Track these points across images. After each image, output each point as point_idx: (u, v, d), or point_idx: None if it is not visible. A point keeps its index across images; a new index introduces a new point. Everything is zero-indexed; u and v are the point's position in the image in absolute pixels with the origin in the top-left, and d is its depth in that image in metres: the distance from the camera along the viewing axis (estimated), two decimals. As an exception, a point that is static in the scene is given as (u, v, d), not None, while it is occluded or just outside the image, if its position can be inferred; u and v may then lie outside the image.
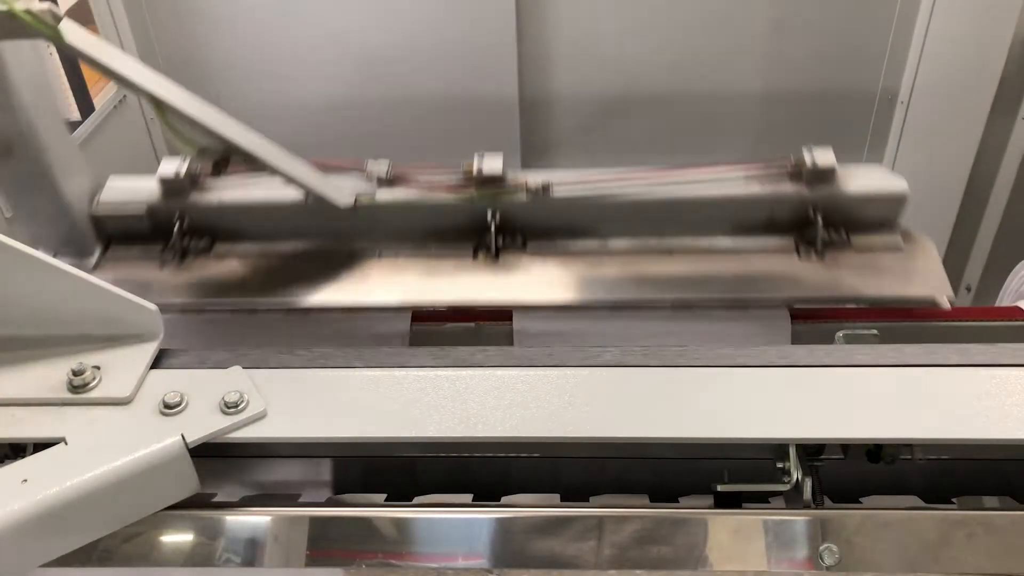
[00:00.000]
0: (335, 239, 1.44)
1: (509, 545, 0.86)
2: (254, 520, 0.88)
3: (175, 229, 1.40)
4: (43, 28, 1.05)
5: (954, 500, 0.99)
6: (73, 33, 1.08)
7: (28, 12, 1.04)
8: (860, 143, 2.97)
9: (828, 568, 0.82)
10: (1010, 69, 2.45)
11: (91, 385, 0.89)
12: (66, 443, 0.83)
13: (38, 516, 0.77)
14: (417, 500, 1.01)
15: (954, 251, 2.81)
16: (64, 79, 2.59)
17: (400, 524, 0.87)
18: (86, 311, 0.94)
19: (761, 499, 0.92)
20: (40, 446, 0.84)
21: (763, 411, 0.87)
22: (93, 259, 1.43)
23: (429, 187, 1.40)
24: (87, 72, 2.68)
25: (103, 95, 2.78)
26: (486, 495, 1.02)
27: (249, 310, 1.35)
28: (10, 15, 1.03)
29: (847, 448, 0.94)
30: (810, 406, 0.87)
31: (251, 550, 0.88)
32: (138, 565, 0.86)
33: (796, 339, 1.33)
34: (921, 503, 0.97)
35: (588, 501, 1.01)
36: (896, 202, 1.40)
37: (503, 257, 1.41)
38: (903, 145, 2.86)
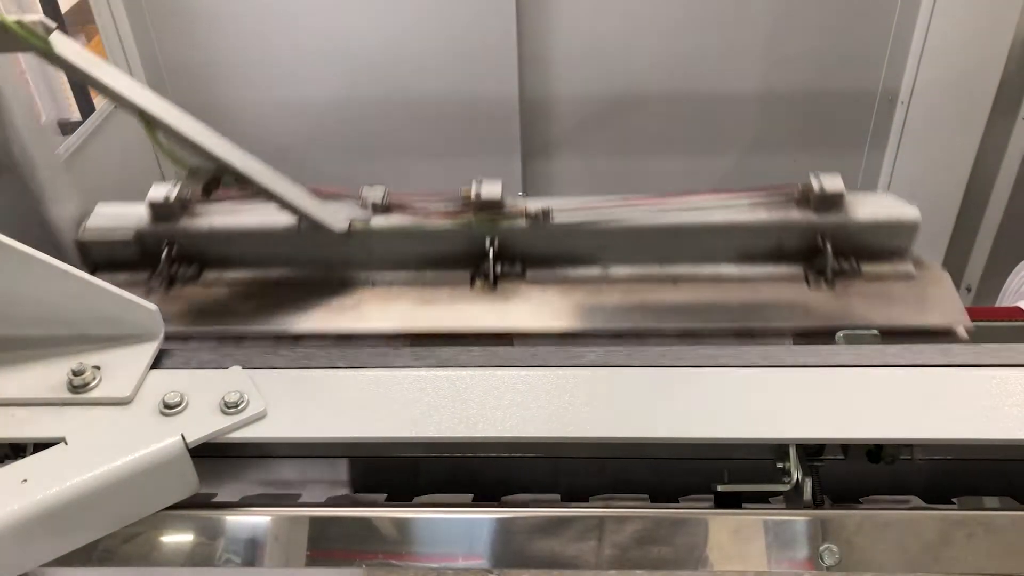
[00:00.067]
0: (328, 267, 1.38)
1: (509, 545, 0.86)
2: (254, 520, 0.88)
3: (163, 256, 1.35)
4: (34, 40, 1.03)
5: (954, 500, 0.99)
6: (64, 46, 1.06)
7: (19, 24, 1.03)
8: (860, 143, 2.97)
9: (828, 568, 0.82)
10: (1010, 69, 2.46)
11: (91, 385, 0.89)
12: (66, 443, 0.83)
13: (38, 516, 0.77)
14: (417, 500, 1.01)
15: (954, 251, 2.81)
16: (64, 79, 2.59)
17: (400, 524, 0.87)
18: (86, 311, 0.94)
19: (761, 499, 0.92)
20: (40, 446, 0.84)
21: (763, 411, 0.87)
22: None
23: (425, 213, 1.36)
24: (87, 72, 2.68)
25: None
26: (486, 495, 1.02)
27: (237, 337, 1.29)
28: (1, 27, 1.02)
29: (847, 448, 0.94)
30: (810, 406, 0.87)
31: (251, 550, 0.88)
32: (138, 565, 0.86)
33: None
34: (921, 503, 0.97)
35: (588, 501, 1.01)
36: (908, 230, 1.34)
37: (501, 285, 1.35)
38: (903, 145, 2.86)
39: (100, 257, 1.39)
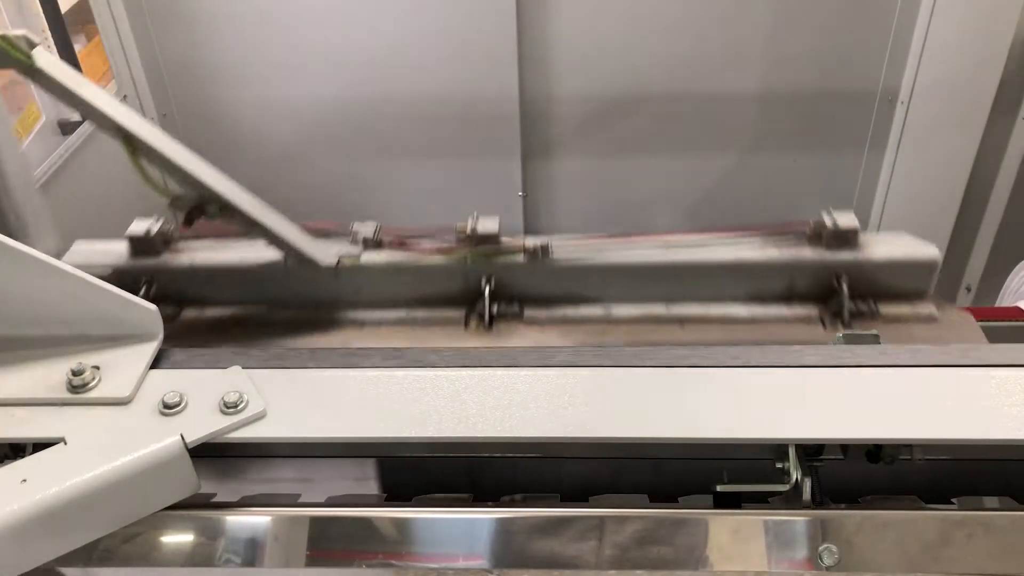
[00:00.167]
0: (314, 307, 1.32)
1: (509, 545, 0.86)
2: (254, 520, 0.88)
3: (140, 294, 1.27)
4: (16, 55, 1.00)
5: (954, 500, 0.99)
6: (47, 61, 1.03)
7: (3, 38, 1.01)
8: (860, 143, 2.97)
9: (828, 568, 0.82)
10: (1010, 69, 2.46)
11: (91, 385, 0.89)
12: (65, 443, 0.83)
13: (38, 516, 0.77)
14: (417, 500, 1.01)
15: (954, 251, 2.81)
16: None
17: (400, 524, 0.87)
18: (86, 311, 0.94)
19: (761, 499, 0.92)
20: (40, 446, 0.84)
21: (763, 411, 0.87)
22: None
23: (418, 249, 1.30)
24: (87, 72, 2.68)
25: (103, 95, 2.78)
26: (490, 495, 1.02)
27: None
28: None
29: (847, 448, 0.94)
30: (809, 406, 0.87)
31: (251, 550, 0.87)
32: (138, 565, 0.86)
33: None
34: (921, 503, 0.97)
35: (588, 501, 1.01)
36: (927, 269, 1.28)
37: (497, 325, 1.29)
38: (903, 145, 2.86)
39: None
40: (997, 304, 1.68)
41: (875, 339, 1.11)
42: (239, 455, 1.10)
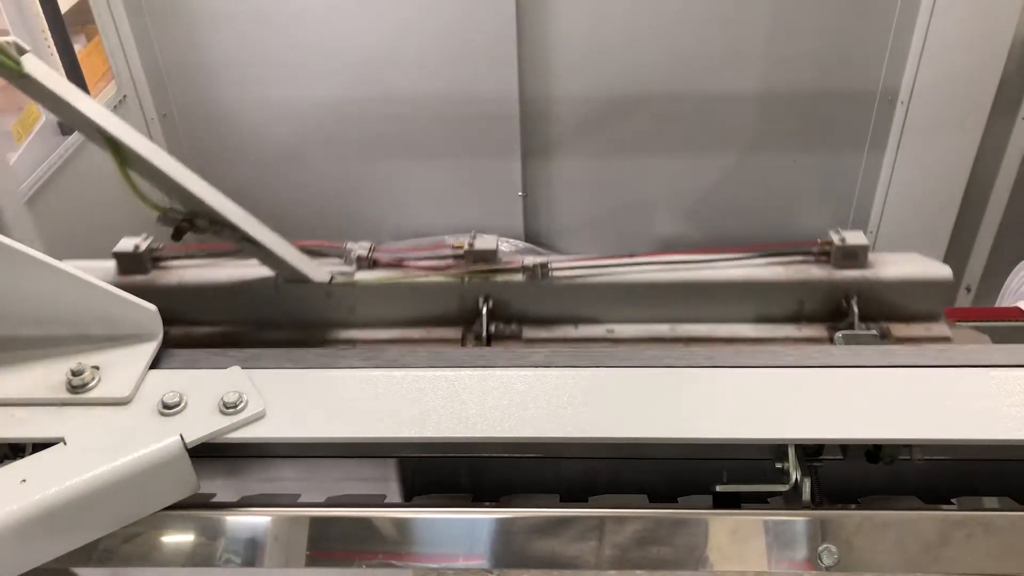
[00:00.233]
0: (306, 327, 1.29)
1: (509, 545, 0.86)
2: (254, 520, 0.88)
3: None
4: (6, 62, 0.98)
5: (953, 500, 0.99)
6: (36, 68, 1.00)
7: None
8: (860, 143, 2.97)
9: (827, 568, 0.82)
10: (1010, 69, 2.45)
11: (90, 385, 0.89)
12: (65, 443, 0.83)
13: (37, 516, 0.77)
14: (417, 500, 1.01)
15: (954, 251, 2.81)
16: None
17: (400, 524, 0.87)
18: (86, 311, 0.94)
19: (760, 500, 0.92)
20: (39, 446, 0.84)
21: (762, 411, 0.87)
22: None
23: (414, 267, 1.26)
24: (87, 72, 2.68)
25: (103, 95, 2.78)
26: (486, 495, 1.02)
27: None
28: None
29: (846, 448, 0.94)
30: (809, 406, 0.87)
31: (251, 550, 0.88)
32: (138, 565, 0.86)
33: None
34: (920, 503, 0.97)
35: (587, 501, 1.01)
36: (940, 289, 1.25)
37: (495, 346, 1.26)
38: (903, 145, 2.86)
39: None
40: (997, 304, 1.68)
41: (875, 339, 1.11)
42: (239, 455, 1.10)
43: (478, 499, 1.01)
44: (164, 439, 0.83)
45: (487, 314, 1.25)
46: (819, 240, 1.26)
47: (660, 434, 0.86)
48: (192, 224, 1.13)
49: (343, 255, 1.28)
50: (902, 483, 1.01)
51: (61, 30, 2.56)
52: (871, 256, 1.25)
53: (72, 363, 0.90)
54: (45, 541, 0.80)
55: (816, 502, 0.88)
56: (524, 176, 3.12)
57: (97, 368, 0.91)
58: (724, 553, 0.84)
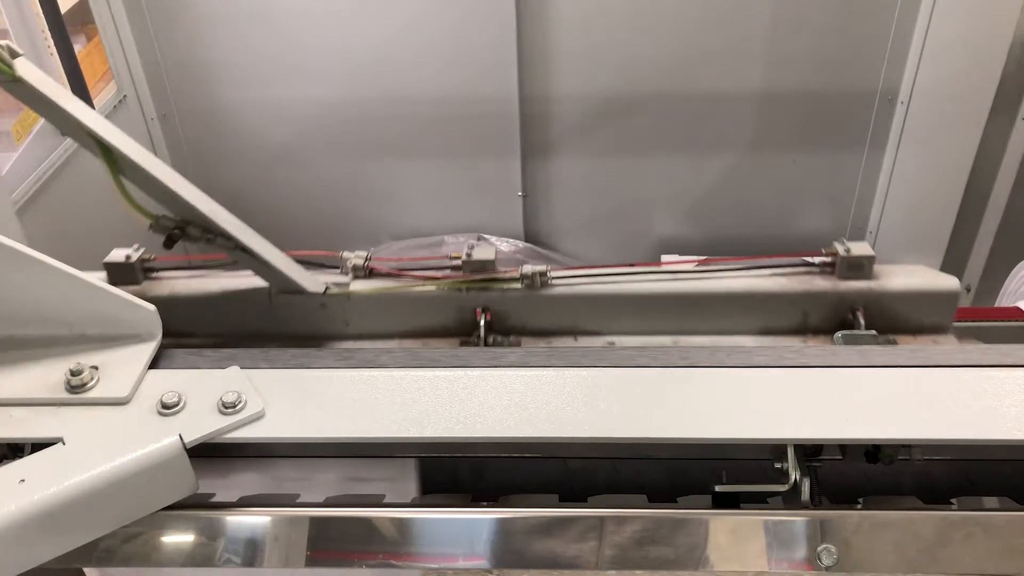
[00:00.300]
0: (300, 339, 1.27)
1: (509, 545, 0.86)
2: (254, 520, 0.88)
3: None
4: None
5: (952, 500, 0.99)
6: (29, 72, 0.99)
7: None
8: (860, 143, 2.97)
9: (827, 568, 0.82)
10: (1010, 69, 2.45)
11: (89, 385, 0.89)
12: (64, 443, 0.83)
13: (36, 516, 0.77)
14: (416, 500, 1.01)
15: (954, 251, 2.81)
16: (65, 79, 2.59)
17: (400, 524, 0.87)
18: (85, 311, 0.94)
19: (759, 500, 0.92)
20: (38, 446, 0.84)
21: (761, 411, 0.87)
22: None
23: (411, 277, 1.24)
24: (87, 72, 2.68)
25: (103, 95, 2.78)
26: (486, 495, 1.02)
27: None
28: None
29: (845, 448, 0.94)
30: (808, 407, 0.87)
31: (251, 550, 0.88)
32: (138, 565, 0.86)
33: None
34: (919, 503, 0.97)
35: (587, 501, 1.01)
36: (947, 300, 1.22)
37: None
38: (903, 145, 2.86)
39: None
40: (997, 304, 1.68)
41: (874, 339, 1.11)
42: (238, 455, 1.10)
43: (478, 499, 1.01)
44: (163, 439, 0.83)
45: (485, 325, 1.23)
46: (823, 251, 1.24)
47: (659, 434, 0.86)
48: (184, 232, 1.12)
49: (339, 265, 1.26)
50: (901, 483, 1.01)
51: (61, 30, 2.56)
52: (876, 268, 1.23)
53: (71, 363, 0.90)
54: (44, 541, 0.80)
55: (815, 502, 0.88)
56: (524, 176, 3.12)
57: (96, 368, 0.91)
58: (723, 553, 0.84)
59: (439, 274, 1.24)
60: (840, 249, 1.23)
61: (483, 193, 3.19)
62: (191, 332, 1.28)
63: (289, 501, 1.03)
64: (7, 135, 2.45)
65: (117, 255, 1.28)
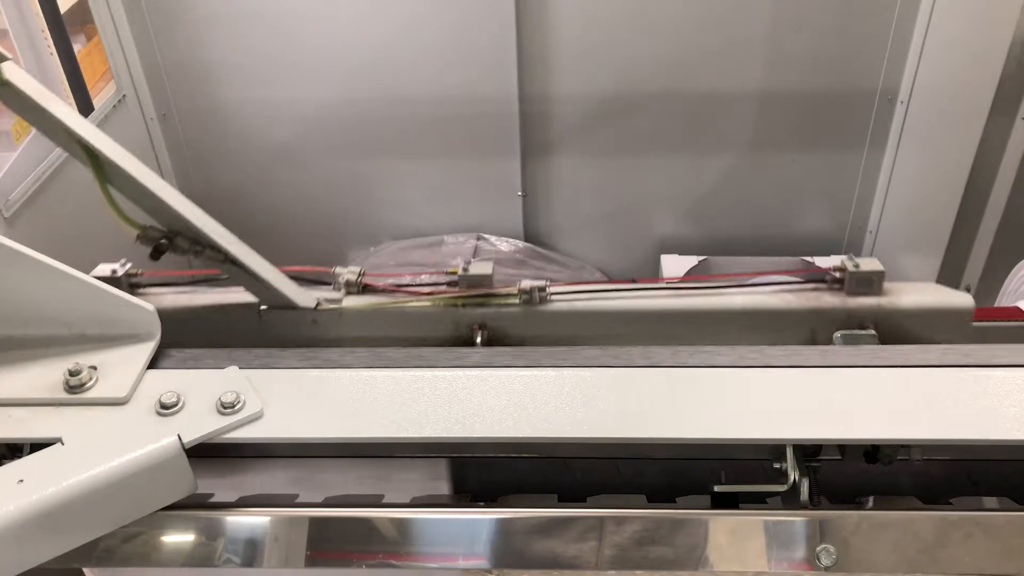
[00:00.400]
0: None
1: (509, 545, 0.86)
2: (254, 520, 0.88)
3: None
4: None
5: (951, 501, 0.99)
6: (16, 76, 0.97)
7: None
8: (860, 143, 2.97)
9: (826, 568, 0.82)
10: (1009, 69, 2.45)
11: (88, 385, 0.89)
12: (62, 443, 0.83)
13: (35, 516, 0.77)
14: (416, 500, 1.01)
15: (953, 251, 2.81)
16: (63, 78, 2.59)
17: (400, 524, 0.87)
18: (84, 311, 0.94)
19: (759, 500, 0.92)
20: (37, 446, 0.84)
21: (760, 412, 0.87)
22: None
23: (405, 293, 1.21)
24: (86, 72, 2.68)
25: (102, 95, 2.78)
26: (485, 495, 1.02)
27: None
28: None
29: (844, 448, 0.94)
30: (807, 406, 0.87)
31: (251, 550, 0.88)
32: (138, 565, 0.86)
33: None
34: (919, 503, 0.97)
35: (585, 502, 1.01)
36: (961, 318, 1.18)
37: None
38: (903, 145, 2.86)
39: None
40: (997, 304, 1.68)
41: (873, 339, 1.11)
42: (237, 455, 1.10)
43: (477, 499, 1.01)
44: (162, 439, 0.83)
45: (482, 342, 1.20)
46: (831, 267, 1.21)
47: (658, 434, 0.86)
48: (172, 243, 1.09)
49: (331, 280, 1.23)
50: (900, 483, 1.01)
51: (60, 30, 2.56)
52: (885, 285, 1.20)
53: (70, 363, 0.90)
54: (43, 541, 0.80)
55: (814, 502, 0.88)
56: (524, 176, 3.12)
57: (95, 368, 0.91)
58: (723, 553, 0.84)
59: (434, 289, 1.21)
60: (849, 264, 1.19)
61: (483, 193, 3.19)
62: (180, 348, 1.26)
63: (288, 501, 1.03)
64: (6, 135, 2.45)
65: (103, 270, 1.25)
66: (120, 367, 0.92)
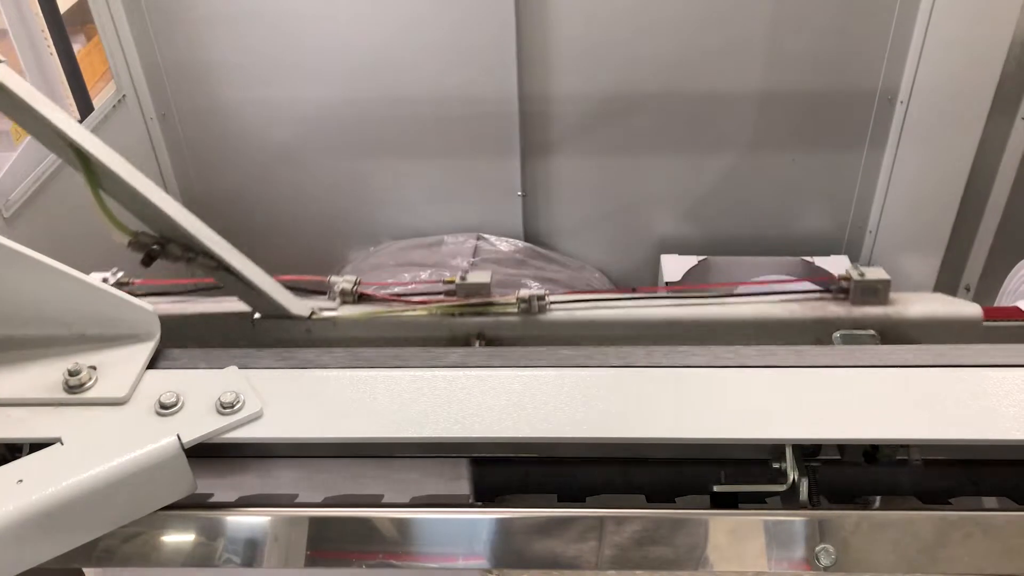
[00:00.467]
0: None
1: (509, 545, 0.86)
2: (254, 520, 0.88)
3: None
4: None
5: (951, 500, 0.99)
6: (7, 77, 0.95)
7: None
8: (860, 143, 2.97)
9: (825, 568, 0.82)
10: (1009, 69, 2.45)
11: (87, 385, 0.89)
12: (62, 443, 0.83)
13: (34, 516, 0.77)
14: (415, 500, 1.00)
15: (953, 250, 2.81)
16: (63, 79, 2.59)
17: (400, 524, 0.87)
18: (83, 311, 0.94)
19: (758, 500, 0.92)
20: (36, 446, 0.84)
21: (760, 411, 0.87)
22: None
23: (401, 302, 1.19)
24: (86, 72, 2.68)
25: (102, 95, 2.78)
26: (485, 495, 1.02)
27: None
28: None
29: (844, 448, 0.94)
30: (806, 406, 0.87)
31: (251, 550, 0.88)
32: (138, 565, 0.86)
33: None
34: (918, 503, 0.97)
35: (585, 502, 1.01)
36: (972, 328, 1.17)
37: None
38: (903, 145, 2.86)
39: None
40: (996, 304, 1.68)
41: (873, 339, 1.11)
42: (237, 455, 1.10)
43: (476, 499, 1.01)
44: (161, 439, 0.83)
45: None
46: (837, 276, 1.20)
47: (658, 434, 0.86)
48: (164, 250, 1.07)
49: (326, 288, 1.21)
50: (900, 483, 1.01)
51: (60, 30, 2.56)
52: (892, 295, 1.18)
53: (69, 363, 0.90)
54: (42, 541, 0.79)
55: (813, 502, 0.88)
56: (523, 176, 3.12)
57: (94, 368, 0.91)
58: (722, 553, 0.84)
59: (431, 299, 1.20)
60: (854, 273, 1.17)
61: (483, 193, 3.19)
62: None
63: (288, 501, 1.03)
64: (6, 135, 2.45)
65: (94, 279, 1.25)
66: (120, 367, 0.92)
